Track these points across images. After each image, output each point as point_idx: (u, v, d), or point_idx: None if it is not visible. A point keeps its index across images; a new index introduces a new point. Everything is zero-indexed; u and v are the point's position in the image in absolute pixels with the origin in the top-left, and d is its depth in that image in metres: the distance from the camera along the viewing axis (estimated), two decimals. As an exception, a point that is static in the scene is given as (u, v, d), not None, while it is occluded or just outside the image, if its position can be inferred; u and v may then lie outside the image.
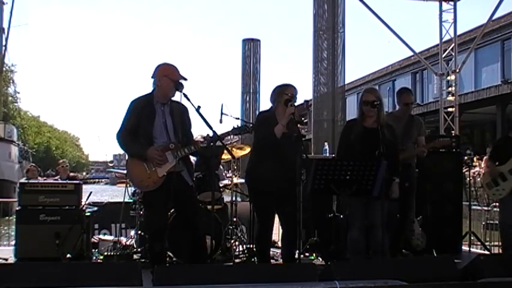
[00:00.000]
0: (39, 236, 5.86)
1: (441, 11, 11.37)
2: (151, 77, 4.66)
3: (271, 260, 5.50)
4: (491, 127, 25.61)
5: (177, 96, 4.66)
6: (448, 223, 6.73)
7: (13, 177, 23.86)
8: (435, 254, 6.02)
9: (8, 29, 27.45)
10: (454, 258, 4.26)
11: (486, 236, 8.56)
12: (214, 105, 6.61)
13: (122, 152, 5.22)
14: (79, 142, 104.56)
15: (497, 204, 7.11)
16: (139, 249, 5.88)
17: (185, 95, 4.50)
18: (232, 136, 5.02)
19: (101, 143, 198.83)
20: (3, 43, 28.01)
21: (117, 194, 11.84)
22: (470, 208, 7.55)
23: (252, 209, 5.44)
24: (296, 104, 4.86)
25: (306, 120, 22.52)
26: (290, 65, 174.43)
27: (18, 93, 43.61)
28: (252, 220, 5.74)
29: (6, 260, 5.91)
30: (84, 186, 6.63)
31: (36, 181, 7.30)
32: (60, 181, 7.67)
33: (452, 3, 11.27)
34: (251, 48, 15.37)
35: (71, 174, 8.86)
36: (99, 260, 5.87)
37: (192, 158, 5.09)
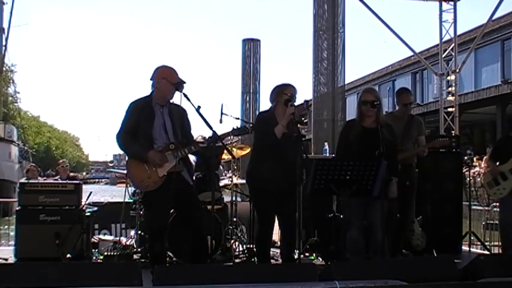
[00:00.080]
0: (39, 236, 5.85)
1: (441, 11, 11.37)
2: (150, 79, 4.68)
3: (271, 260, 5.50)
4: (491, 127, 25.61)
5: (177, 97, 4.68)
6: (448, 223, 6.73)
7: (13, 177, 23.87)
8: (435, 254, 6.02)
9: (8, 29, 27.48)
10: (454, 258, 4.26)
11: (486, 236, 8.55)
12: (214, 105, 6.62)
13: (122, 152, 5.22)
14: (79, 142, 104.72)
15: (497, 204, 7.11)
16: (139, 249, 5.88)
17: (185, 95, 4.52)
18: (232, 136, 5.03)
19: (101, 143, 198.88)
20: (3, 43, 28.02)
21: (117, 194, 11.86)
22: (470, 208, 7.55)
23: (253, 209, 5.44)
24: (296, 104, 4.86)
25: (306, 120, 22.52)
26: (290, 65, 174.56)
27: (18, 93, 43.66)
28: (252, 220, 5.75)
29: (6, 260, 5.90)
30: (84, 186, 6.63)
31: (36, 181, 7.29)
32: (60, 181, 7.67)
33: (452, 3, 11.27)
34: (251, 48, 15.37)
35: (71, 174, 8.85)
36: (99, 260, 5.86)
37: (192, 159, 5.10)
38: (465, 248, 7.01)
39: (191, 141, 4.64)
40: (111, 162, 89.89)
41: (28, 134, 48.70)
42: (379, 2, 11.37)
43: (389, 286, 3.37)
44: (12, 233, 7.65)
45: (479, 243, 7.26)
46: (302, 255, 5.68)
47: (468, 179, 8.59)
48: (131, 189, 6.00)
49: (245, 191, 6.38)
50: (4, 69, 30.85)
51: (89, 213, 6.34)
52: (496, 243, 7.71)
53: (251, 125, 5.11)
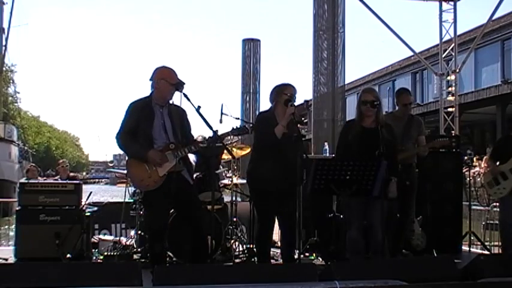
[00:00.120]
0: (39, 236, 5.85)
1: (441, 11, 11.38)
2: (149, 80, 4.68)
3: (271, 260, 5.50)
4: (491, 127, 25.61)
5: (177, 97, 4.68)
6: (448, 223, 6.73)
7: (13, 177, 23.88)
8: (435, 254, 6.02)
9: (8, 29, 27.45)
10: (454, 258, 4.25)
11: (486, 236, 8.55)
12: (214, 105, 6.63)
13: (122, 152, 5.22)
14: (79, 142, 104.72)
15: (497, 204, 7.11)
16: (139, 249, 5.88)
17: (185, 95, 4.52)
18: (232, 136, 5.03)
19: (101, 143, 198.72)
20: (3, 43, 28.01)
21: (117, 194, 11.87)
22: (470, 208, 7.55)
23: (253, 209, 5.44)
24: (296, 104, 4.86)
25: (306, 120, 22.52)
26: (290, 65, 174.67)
27: (18, 93, 43.63)
28: (252, 220, 5.75)
29: (6, 260, 5.90)
30: (84, 186, 6.63)
31: (36, 181, 7.29)
32: (60, 181, 7.66)
33: (452, 3, 11.28)
34: (251, 48, 15.39)
35: (71, 174, 8.85)
36: (99, 260, 5.86)
37: (192, 159, 5.10)
38: (465, 248, 7.01)
39: (191, 141, 4.64)
40: (111, 162, 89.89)
41: (28, 134, 48.73)
42: (379, 2, 11.39)
43: (389, 286, 3.37)
44: (12, 233, 7.65)
45: (479, 243, 7.25)
46: (302, 255, 5.68)
47: (468, 179, 8.59)
48: (131, 189, 6.01)
49: (245, 191, 6.38)
50: (4, 69, 30.86)
51: (89, 213, 6.34)
52: (496, 243, 7.71)
53: (251, 125, 5.11)
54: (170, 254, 5.45)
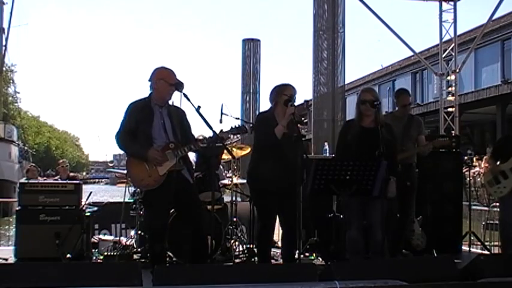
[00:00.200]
0: (39, 236, 5.85)
1: (441, 11, 11.38)
2: (148, 80, 4.68)
3: (272, 260, 5.50)
4: (491, 127, 25.61)
5: (177, 97, 4.68)
6: (448, 223, 6.73)
7: (13, 177, 23.86)
8: (435, 254, 6.02)
9: (8, 29, 27.40)
10: (454, 258, 4.25)
11: (486, 236, 8.55)
12: (214, 105, 6.63)
13: (122, 152, 5.22)
14: (79, 142, 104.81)
15: (497, 204, 7.11)
16: (139, 249, 5.88)
17: (185, 95, 4.52)
18: (232, 136, 5.03)
19: (101, 143, 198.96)
20: (3, 43, 27.97)
21: (117, 194, 11.85)
22: (470, 208, 7.55)
23: (253, 209, 5.43)
24: (296, 104, 4.86)
25: (306, 120, 22.52)
26: (290, 65, 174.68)
27: (18, 93, 43.63)
28: (252, 220, 5.75)
29: (6, 260, 5.90)
30: (84, 186, 6.62)
31: (36, 181, 7.29)
32: (60, 181, 7.66)
33: (452, 3, 11.28)
34: (251, 48, 15.41)
35: (71, 174, 8.85)
36: (99, 260, 5.86)
37: (192, 159, 5.10)
38: (465, 248, 7.01)
39: (191, 140, 4.65)
40: (111, 162, 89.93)
41: (28, 134, 48.74)
42: (379, 2, 11.43)
43: (389, 286, 3.37)
44: (12, 233, 7.65)
45: (479, 243, 7.25)
46: (302, 255, 5.67)
47: (468, 179, 8.59)
48: (131, 189, 6.00)
49: (245, 191, 6.38)
50: (4, 69, 30.83)
51: (89, 213, 6.34)
52: (496, 243, 7.70)
53: (251, 125, 5.11)
54: (170, 254, 5.45)
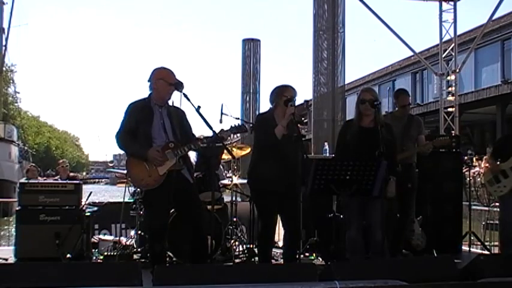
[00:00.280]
0: (39, 236, 5.85)
1: (441, 11, 11.38)
2: (148, 81, 4.69)
3: (272, 260, 5.50)
4: (491, 127, 25.61)
5: (177, 97, 4.68)
6: (448, 223, 6.73)
7: (13, 177, 23.86)
8: (435, 254, 6.02)
9: (8, 29, 27.42)
10: (454, 258, 4.24)
11: (486, 236, 8.55)
12: (214, 105, 6.63)
13: (122, 152, 5.23)
14: (79, 142, 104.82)
15: (497, 204, 7.11)
16: (139, 249, 5.88)
17: (185, 95, 4.52)
18: (232, 136, 5.03)
19: (101, 143, 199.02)
20: (3, 43, 27.99)
21: (117, 194, 11.84)
22: (470, 208, 7.54)
23: (253, 209, 5.43)
24: (296, 104, 4.87)
25: (306, 120, 22.53)
26: (290, 65, 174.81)
27: (18, 93, 43.62)
28: (252, 220, 5.75)
29: (6, 260, 5.91)
30: (84, 186, 6.63)
31: (36, 181, 7.29)
32: (60, 181, 7.66)
33: (452, 3, 11.29)
34: (251, 48, 15.42)
35: (71, 174, 8.85)
36: (99, 260, 5.86)
37: (192, 159, 5.10)
38: (465, 248, 7.01)
39: (191, 139, 4.65)
40: (111, 162, 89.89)
41: (28, 134, 48.74)
42: (379, 2, 11.40)
43: (389, 286, 3.37)
44: (12, 233, 7.65)
45: (479, 243, 7.25)
46: (302, 255, 5.68)
47: (468, 179, 8.58)
48: (131, 189, 6.00)
49: (245, 191, 6.38)
50: (4, 69, 30.84)
51: (89, 213, 6.34)
52: (496, 243, 7.69)
53: (251, 125, 5.11)
54: (170, 254, 5.45)
